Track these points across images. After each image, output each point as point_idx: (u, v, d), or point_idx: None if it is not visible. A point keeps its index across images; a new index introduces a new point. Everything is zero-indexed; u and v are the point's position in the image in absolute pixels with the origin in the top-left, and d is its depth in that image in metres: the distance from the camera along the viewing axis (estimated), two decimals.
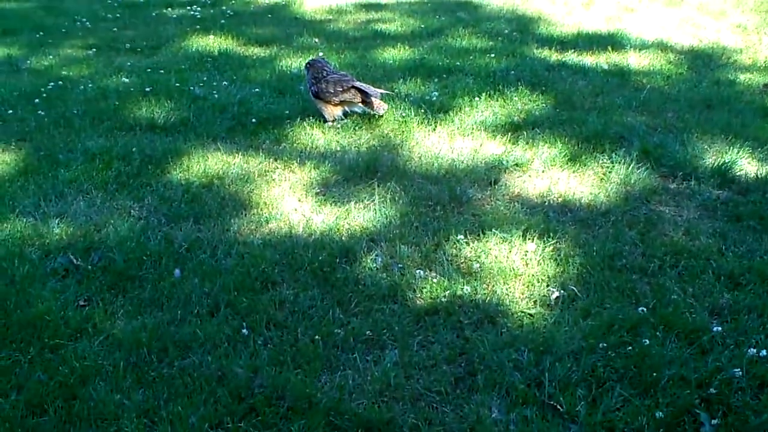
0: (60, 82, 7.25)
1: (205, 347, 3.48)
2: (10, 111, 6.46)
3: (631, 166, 5.12)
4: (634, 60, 7.73)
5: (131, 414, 3.09)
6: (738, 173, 5.08)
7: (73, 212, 4.66)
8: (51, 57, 8.35)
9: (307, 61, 6.22)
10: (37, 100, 6.70)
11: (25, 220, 4.56)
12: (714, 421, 3.03)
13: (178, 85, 7.02)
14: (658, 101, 6.49)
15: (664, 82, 7.07)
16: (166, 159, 5.38)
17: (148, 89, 6.89)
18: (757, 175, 5.06)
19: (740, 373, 3.25)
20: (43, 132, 5.98)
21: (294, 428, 3.01)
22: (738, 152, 5.32)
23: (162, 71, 7.55)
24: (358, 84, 5.97)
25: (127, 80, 7.31)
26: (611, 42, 8.38)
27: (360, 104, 6.00)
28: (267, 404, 3.14)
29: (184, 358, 3.43)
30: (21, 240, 4.36)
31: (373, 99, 5.98)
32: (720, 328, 3.55)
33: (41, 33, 9.39)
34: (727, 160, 5.18)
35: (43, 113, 6.38)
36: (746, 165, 5.20)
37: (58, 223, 4.53)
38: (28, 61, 8.17)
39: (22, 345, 3.49)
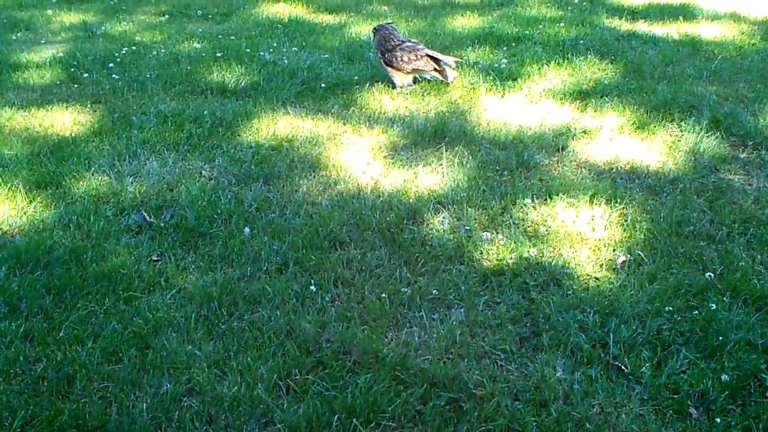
0: (133, 47, 7.39)
1: (274, 302, 3.55)
2: (86, 74, 6.60)
3: (701, 134, 5.07)
4: (706, 30, 7.63)
5: (202, 364, 3.17)
6: None
7: (146, 171, 4.76)
8: (125, 23, 8.51)
9: (374, 27, 6.24)
10: (111, 65, 6.83)
11: (100, 179, 4.67)
12: None
13: (248, 50, 7.10)
14: (730, 71, 6.41)
15: (736, 52, 6.97)
16: (236, 122, 5.46)
17: (219, 55, 6.99)
18: None
19: None
20: (117, 95, 6.11)
21: (360, 381, 3.06)
22: None
23: (233, 37, 7.66)
24: (430, 52, 6.00)
25: (198, 46, 7.41)
26: (683, 12, 8.28)
27: (432, 72, 6.02)
28: (334, 358, 3.20)
29: (254, 312, 3.50)
30: (96, 197, 4.47)
31: (444, 67, 6.01)
32: None
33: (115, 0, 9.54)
34: None
35: (117, 77, 6.51)
36: None
37: (131, 182, 4.63)
38: (103, 27, 8.33)
39: (97, 296, 3.60)
